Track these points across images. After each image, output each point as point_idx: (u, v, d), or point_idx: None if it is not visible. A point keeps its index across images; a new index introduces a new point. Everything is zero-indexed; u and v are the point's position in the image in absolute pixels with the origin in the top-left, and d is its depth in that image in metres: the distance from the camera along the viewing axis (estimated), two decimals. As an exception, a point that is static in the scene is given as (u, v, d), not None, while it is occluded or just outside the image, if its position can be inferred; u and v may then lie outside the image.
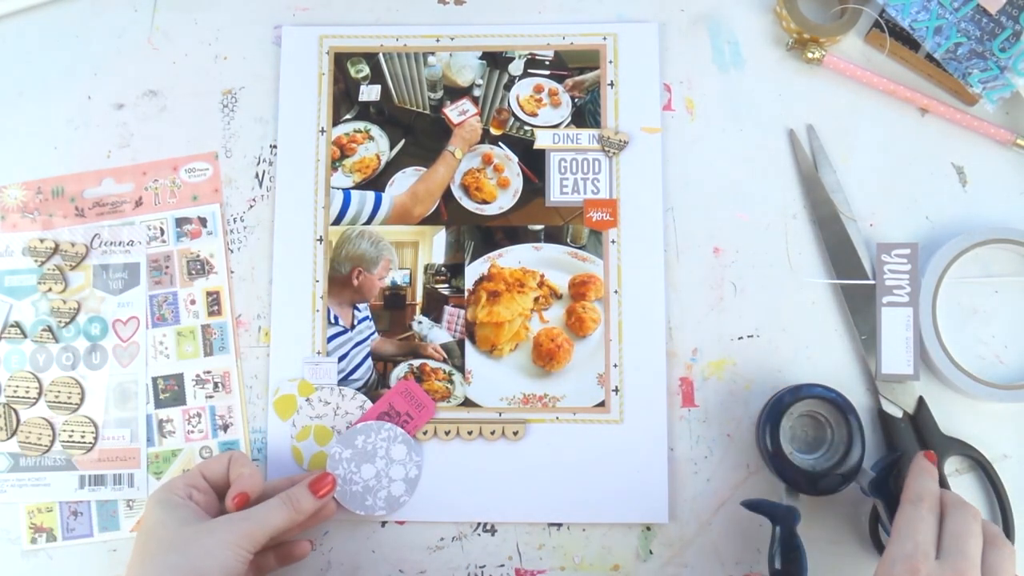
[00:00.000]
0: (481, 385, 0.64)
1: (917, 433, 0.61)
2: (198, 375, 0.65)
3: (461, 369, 0.64)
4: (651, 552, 0.62)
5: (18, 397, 0.64)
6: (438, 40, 0.68)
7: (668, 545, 0.62)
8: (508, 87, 0.67)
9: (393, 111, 0.67)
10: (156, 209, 0.66)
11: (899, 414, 0.61)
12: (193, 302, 0.65)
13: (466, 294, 0.65)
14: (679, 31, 0.68)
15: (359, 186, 0.66)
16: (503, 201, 0.66)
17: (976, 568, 0.49)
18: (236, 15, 0.69)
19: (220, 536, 0.52)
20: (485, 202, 0.66)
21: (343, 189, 0.66)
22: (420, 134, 0.67)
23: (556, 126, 0.67)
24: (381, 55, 0.68)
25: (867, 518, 0.61)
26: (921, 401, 0.61)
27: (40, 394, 0.64)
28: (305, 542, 0.60)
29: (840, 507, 0.61)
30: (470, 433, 0.63)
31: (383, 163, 0.67)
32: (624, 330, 0.64)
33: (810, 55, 0.66)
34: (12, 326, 0.65)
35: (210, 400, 0.64)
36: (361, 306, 0.65)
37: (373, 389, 0.64)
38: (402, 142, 0.67)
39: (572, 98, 0.67)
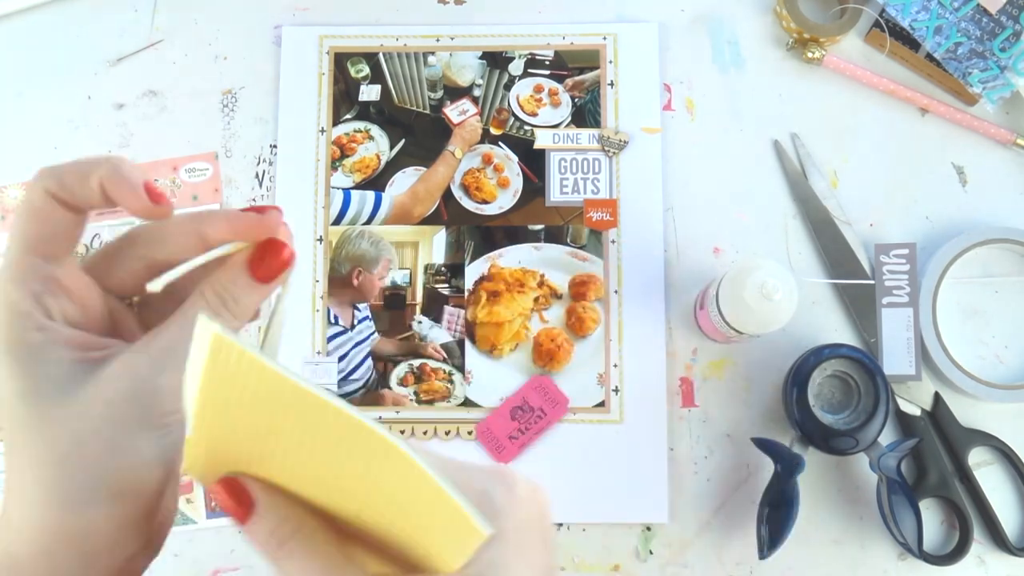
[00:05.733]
0: (481, 385, 0.64)
1: (937, 429, 0.61)
2: (198, 375, 0.64)
3: (461, 369, 0.64)
4: (651, 552, 0.62)
5: (18, 397, 0.64)
6: (438, 40, 0.68)
7: (668, 545, 0.62)
8: (508, 87, 0.67)
9: (393, 111, 0.67)
10: (156, 209, 0.66)
11: (917, 412, 0.61)
12: (193, 302, 0.65)
13: (466, 294, 0.65)
14: (679, 31, 0.68)
15: (359, 186, 0.66)
16: (503, 201, 0.66)
17: None
18: (236, 15, 0.69)
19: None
20: (485, 202, 0.66)
21: (343, 189, 0.66)
22: (420, 134, 0.67)
23: (556, 126, 0.67)
24: (381, 55, 0.68)
25: (866, 519, 0.61)
26: (937, 397, 0.62)
27: (40, 394, 0.64)
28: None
29: (842, 507, 0.61)
30: (470, 433, 0.63)
31: (383, 163, 0.67)
32: (624, 330, 0.64)
33: (810, 55, 0.66)
34: (12, 326, 0.65)
35: (210, 400, 0.64)
36: (361, 306, 0.65)
37: (373, 389, 0.64)
38: (402, 142, 0.67)
39: (572, 98, 0.67)
